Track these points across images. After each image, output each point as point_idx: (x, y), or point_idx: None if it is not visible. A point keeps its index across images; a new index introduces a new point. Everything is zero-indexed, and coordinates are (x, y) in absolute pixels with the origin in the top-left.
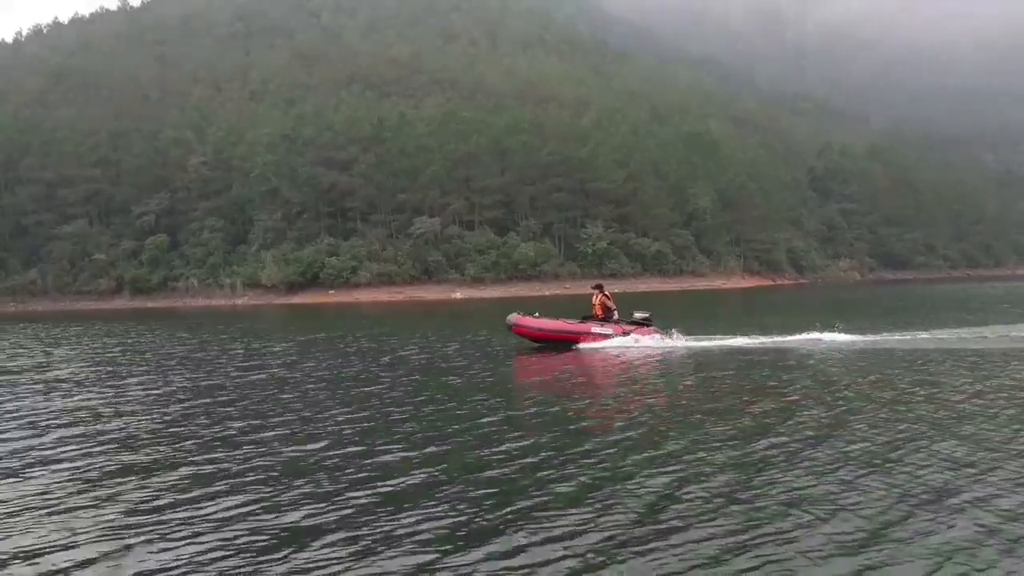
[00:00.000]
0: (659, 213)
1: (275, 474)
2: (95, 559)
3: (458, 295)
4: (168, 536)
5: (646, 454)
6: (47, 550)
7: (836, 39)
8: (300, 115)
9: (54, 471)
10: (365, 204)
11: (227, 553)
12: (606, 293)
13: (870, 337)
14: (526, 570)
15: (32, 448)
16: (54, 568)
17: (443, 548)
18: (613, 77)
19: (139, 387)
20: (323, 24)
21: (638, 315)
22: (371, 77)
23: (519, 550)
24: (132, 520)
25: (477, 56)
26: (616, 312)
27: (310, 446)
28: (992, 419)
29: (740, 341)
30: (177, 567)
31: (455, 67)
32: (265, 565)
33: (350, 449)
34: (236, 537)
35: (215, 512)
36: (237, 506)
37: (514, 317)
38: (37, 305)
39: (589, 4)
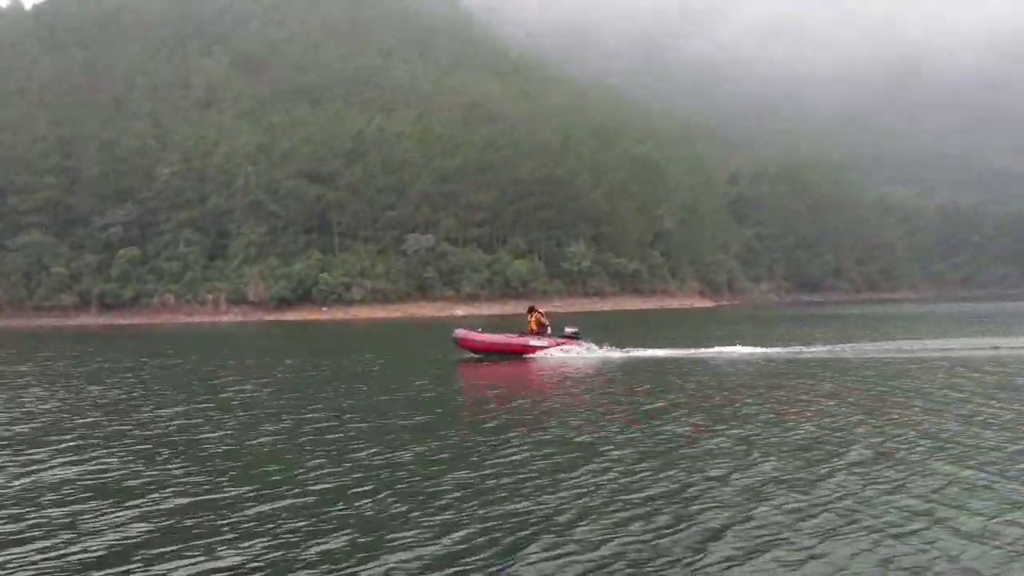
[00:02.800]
0: (632, 233)
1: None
2: None
3: (459, 312)
4: None
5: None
6: None
7: (707, 69)
8: (271, 126)
9: None
10: (353, 219)
11: None
12: (540, 312)
13: (761, 349)
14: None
15: None
16: None
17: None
18: (538, 96)
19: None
20: (253, 32)
21: (569, 330)
22: (318, 90)
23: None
24: None
25: (416, 73)
26: (549, 328)
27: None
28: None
29: (659, 352)
30: None
31: (401, 83)
32: None
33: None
34: None
35: None
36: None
37: (460, 332)
38: None
39: (488, 28)
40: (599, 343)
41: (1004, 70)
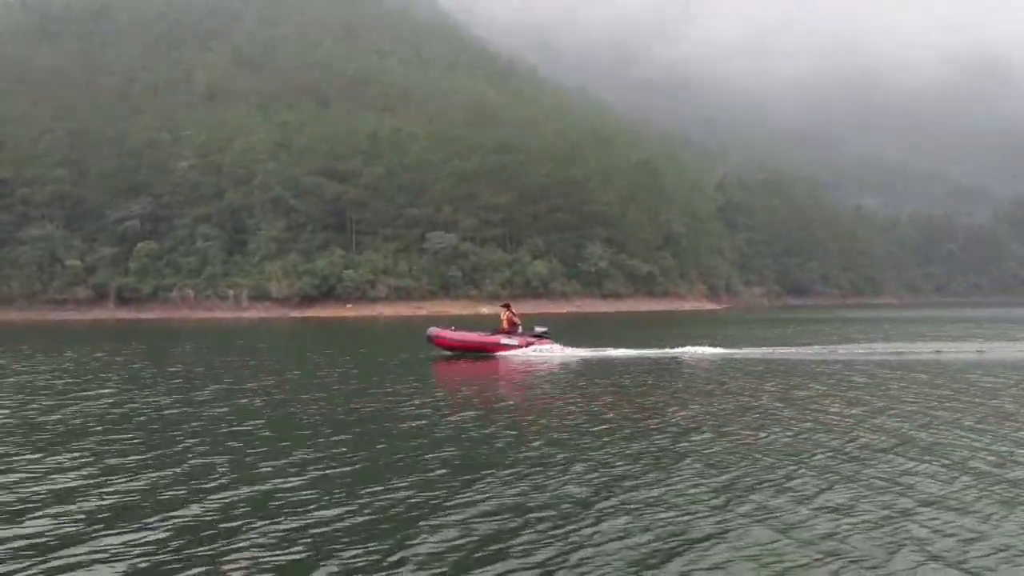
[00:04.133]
0: (645, 235)
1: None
2: None
3: (485, 311)
4: None
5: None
6: None
7: (675, 80)
8: (284, 123)
9: None
10: (374, 217)
11: None
12: (512, 311)
13: (724, 350)
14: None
15: None
16: None
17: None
18: (531, 101)
19: None
20: (249, 30)
21: (539, 329)
22: (320, 88)
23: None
24: None
25: (415, 74)
26: (520, 326)
27: None
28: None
29: (625, 352)
30: None
31: (401, 84)
32: None
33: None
34: None
35: None
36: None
37: (434, 330)
38: (3, 314)
39: (469, 32)
40: (613, 344)
41: (965, 84)
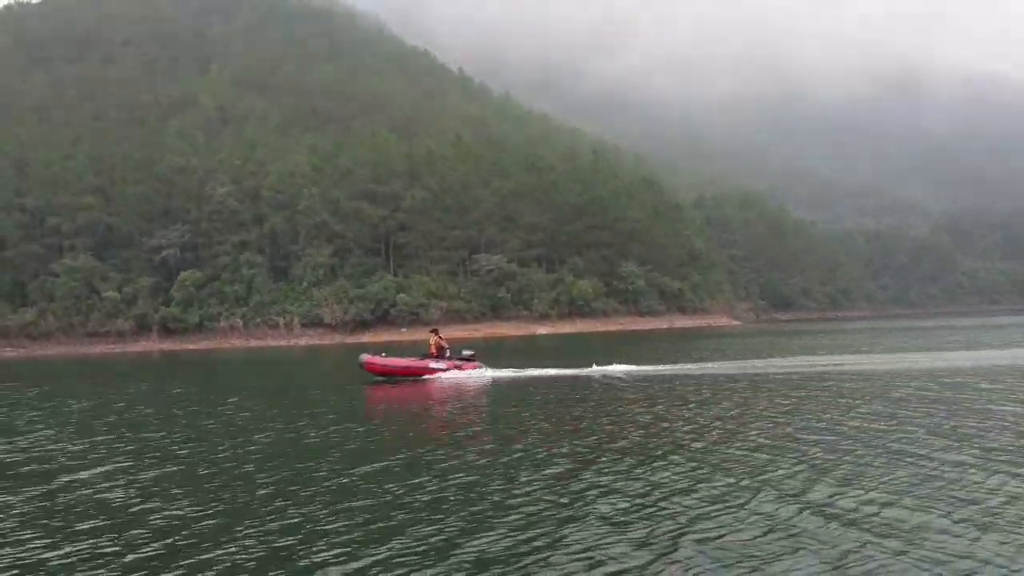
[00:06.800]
0: (674, 252)
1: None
2: None
3: (542, 331)
4: None
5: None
6: None
7: (611, 97)
8: (314, 146)
9: None
10: (421, 240)
11: None
12: (440, 336)
13: (638, 367)
14: None
15: None
16: None
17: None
18: (516, 120)
19: None
20: (241, 52)
21: (465, 352)
22: (328, 110)
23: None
24: None
25: (414, 94)
26: (448, 351)
27: None
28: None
29: (544, 371)
30: None
31: (402, 104)
32: None
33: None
34: None
35: None
36: None
37: (365, 357)
38: (41, 349)
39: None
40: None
41: (886, 99)
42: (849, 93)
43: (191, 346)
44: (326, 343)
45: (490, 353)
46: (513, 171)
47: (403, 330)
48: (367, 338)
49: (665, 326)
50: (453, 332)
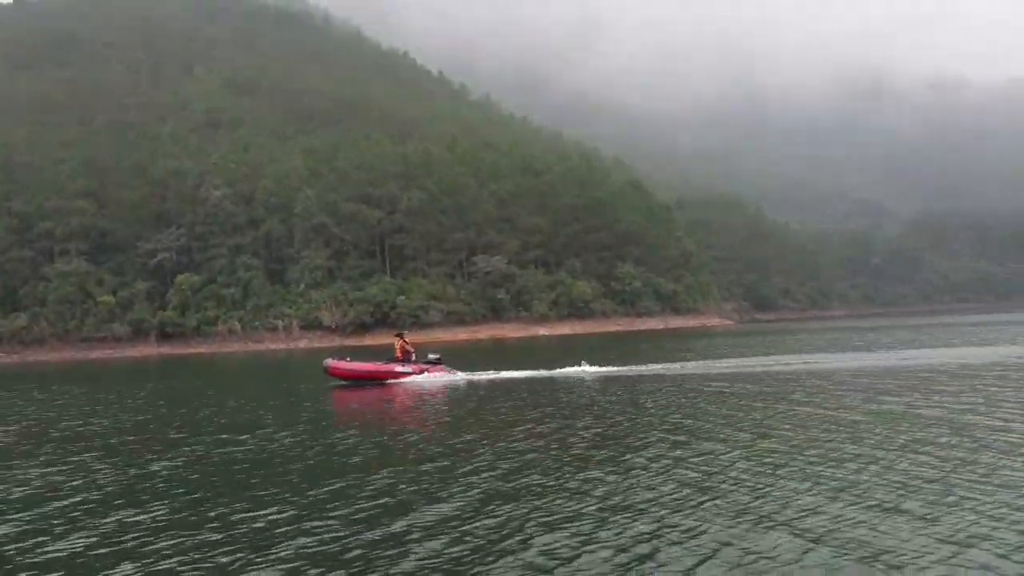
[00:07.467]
0: (668, 253)
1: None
2: None
3: (543, 332)
4: None
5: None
6: None
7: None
8: (309, 149)
9: None
10: (419, 242)
11: None
12: (406, 340)
13: (609, 368)
14: None
15: None
16: None
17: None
18: (503, 124)
19: None
20: (227, 55)
21: (431, 356)
22: (320, 114)
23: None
24: None
25: (403, 98)
26: (414, 355)
27: None
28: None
29: (512, 373)
30: None
31: (390, 108)
32: None
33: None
34: None
35: None
36: None
37: (330, 361)
38: (35, 355)
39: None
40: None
41: (852, 105)
42: (821, 97)
43: (190, 350)
44: (325, 346)
45: (485, 355)
46: (509, 173)
47: (405, 332)
48: (368, 340)
49: (662, 326)
50: (456, 334)
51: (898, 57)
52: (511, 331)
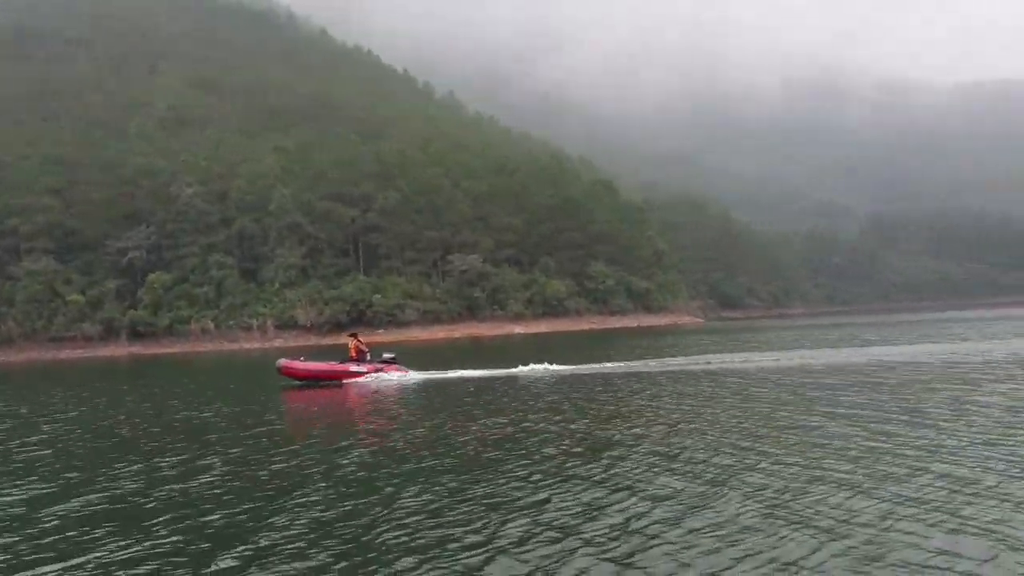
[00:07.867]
0: (640, 253)
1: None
2: None
3: (519, 330)
4: None
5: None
6: None
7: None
8: (280, 148)
9: None
10: (393, 241)
11: None
12: (360, 339)
13: (565, 367)
14: None
15: None
16: None
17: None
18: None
19: None
20: (190, 52)
21: (386, 355)
22: (287, 113)
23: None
24: None
25: (373, 98)
26: (368, 354)
27: None
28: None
29: (468, 372)
30: None
31: (358, 108)
32: None
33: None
34: None
35: None
36: None
37: (283, 361)
38: (3, 355)
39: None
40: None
41: (811, 106)
42: (782, 98)
43: (162, 350)
44: (301, 345)
45: (460, 353)
46: (482, 173)
47: (380, 331)
48: (344, 340)
49: (635, 324)
50: (433, 333)
51: (857, 60)
52: (487, 329)
